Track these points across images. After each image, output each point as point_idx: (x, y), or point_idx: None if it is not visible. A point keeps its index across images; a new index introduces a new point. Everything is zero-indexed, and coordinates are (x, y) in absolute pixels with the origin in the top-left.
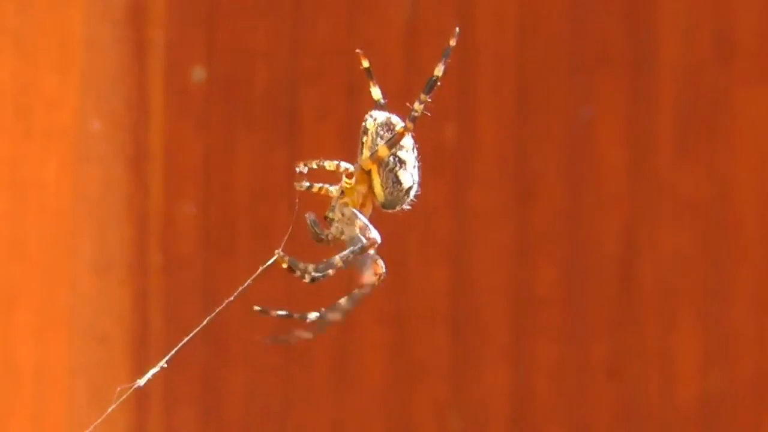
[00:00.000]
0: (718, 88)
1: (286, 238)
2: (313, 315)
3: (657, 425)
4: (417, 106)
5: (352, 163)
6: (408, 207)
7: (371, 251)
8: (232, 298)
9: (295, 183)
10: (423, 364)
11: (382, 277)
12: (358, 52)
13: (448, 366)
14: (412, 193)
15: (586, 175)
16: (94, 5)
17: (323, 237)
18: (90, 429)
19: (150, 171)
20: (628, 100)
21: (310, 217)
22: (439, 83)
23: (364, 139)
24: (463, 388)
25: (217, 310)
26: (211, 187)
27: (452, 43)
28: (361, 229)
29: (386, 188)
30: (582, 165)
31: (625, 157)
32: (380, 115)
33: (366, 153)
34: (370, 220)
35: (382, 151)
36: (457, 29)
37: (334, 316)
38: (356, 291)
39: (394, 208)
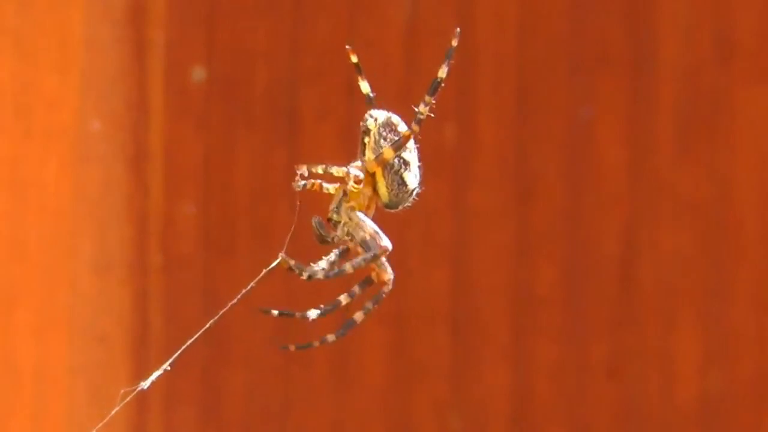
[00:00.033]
0: (718, 88)
1: (288, 239)
2: (313, 313)
3: (657, 425)
4: (422, 108)
5: (355, 165)
6: (409, 205)
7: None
8: (235, 301)
9: (293, 184)
10: (423, 364)
11: (390, 284)
12: (347, 48)
13: (448, 366)
14: (416, 193)
15: (586, 175)
16: (94, 5)
17: (329, 240)
18: (92, 431)
19: (150, 171)
20: (628, 100)
21: (315, 219)
22: (443, 85)
23: (366, 139)
24: (463, 388)
25: (221, 313)
26: (211, 187)
27: (454, 44)
28: (371, 235)
29: (391, 190)
30: (582, 165)
31: (625, 157)
32: (381, 115)
33: (369, 154)
34: (373, 220)
35: (388, 153)
36: (458, 30)
37: (359, 317)
38: (380, 291)
39: (397, 208)
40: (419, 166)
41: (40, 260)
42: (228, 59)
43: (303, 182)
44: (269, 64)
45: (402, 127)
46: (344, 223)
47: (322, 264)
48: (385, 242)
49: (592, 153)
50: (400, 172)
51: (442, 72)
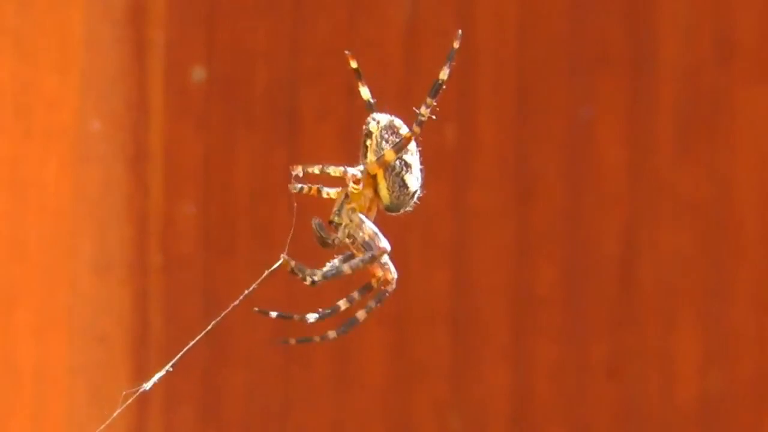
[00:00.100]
0: (718, 88)
1: (288, 240)
2: (312, 317)
3: (657, 425)
4: (423, 110)
5: (356, 167)
6: (410, 209)
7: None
8: (237, 302)
9: (289, 186)
10: (423, 364)
11: (393, 283)
12: (346, 54)
13: (448, 366)
14: (417, 195)
15: (586, 175)
16: (94, 5)
17: (329, 242)
18: None
19: (150, 171)
20: (628, 100)
21: (316, 221)
22: (444, 86)
23: (368, 142)
24: (463, 388)
25: (223, 314)
26: (211, 187)
27: (455, 45)
28: (370, 236)
29: (393, 192)
30: (582, 165)
31: (625, 157)
32: (383, 118)
33: (371, 157)
34: (375, 222)
35: (389, 155)
36: (460, 32)
37: (362, 315)
38: (383, 290)
39: (399, 211)
40: (421, 169)
41: (40, 260)
42: (228, 59)
43: (299, 185)
44: (269, 64)
45: (404, 131)
46: (345, 225)
47: (325, 268)
48: (384, 243)
49: (592, 153)
50: (401, 174)
51: (444, 74)
